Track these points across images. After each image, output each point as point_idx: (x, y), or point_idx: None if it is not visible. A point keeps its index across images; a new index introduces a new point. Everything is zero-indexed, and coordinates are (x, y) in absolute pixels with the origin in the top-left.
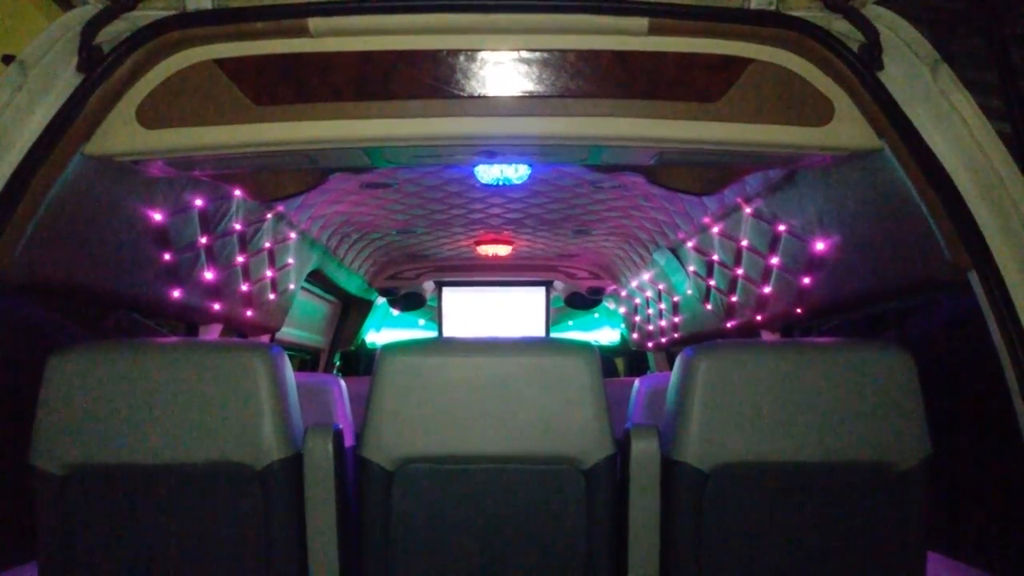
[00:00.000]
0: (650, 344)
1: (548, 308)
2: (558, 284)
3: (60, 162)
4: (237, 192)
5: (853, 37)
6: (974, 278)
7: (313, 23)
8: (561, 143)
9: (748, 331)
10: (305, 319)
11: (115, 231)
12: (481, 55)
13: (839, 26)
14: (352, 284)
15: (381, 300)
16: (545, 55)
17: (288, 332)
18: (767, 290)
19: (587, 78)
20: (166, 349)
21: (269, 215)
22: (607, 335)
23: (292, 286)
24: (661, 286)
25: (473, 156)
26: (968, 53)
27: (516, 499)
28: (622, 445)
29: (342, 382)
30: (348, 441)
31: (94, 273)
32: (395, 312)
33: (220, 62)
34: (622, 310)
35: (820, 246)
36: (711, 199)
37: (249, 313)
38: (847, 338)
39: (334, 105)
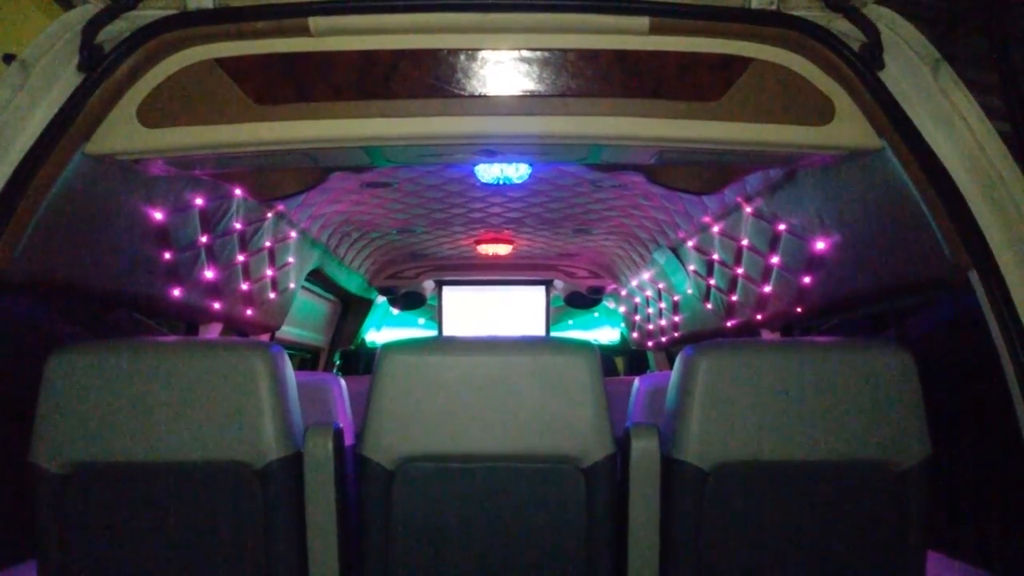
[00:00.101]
0: (650, 343)
1: (548, 307)
2: (558, 283)
3: (61, 161)
4: (237, 191)
5: (854, 36)
6: (974, 278)
7: (314, 22)
8: (561, 142)
9: (748, 330)
10: (305, 318)
11: (115, 230)
12: (482, 54)
13: (840, 25)
14: (352, 283)
15: (381, 299)
16: (546, 54)
17: (288, 331)
18: (767, 289)
19: (588, 77)
20: (166, 348)
21: (269, 214)
22: (607, 334)
23: (292, 285)
24: (661, 285)
25: (473, 155)
26: (969, 52)
27: (516, 498)
28: (622, 444)
29: (342, 381)
30: (348, 440)
31: (94, 272)
32: (395, 311)
33: (221, 61)
34: (622, 309)
35: (820, 245)
36: (711, 198)
37: (249, 312)
38: (847, 338)
39: (334, 104)
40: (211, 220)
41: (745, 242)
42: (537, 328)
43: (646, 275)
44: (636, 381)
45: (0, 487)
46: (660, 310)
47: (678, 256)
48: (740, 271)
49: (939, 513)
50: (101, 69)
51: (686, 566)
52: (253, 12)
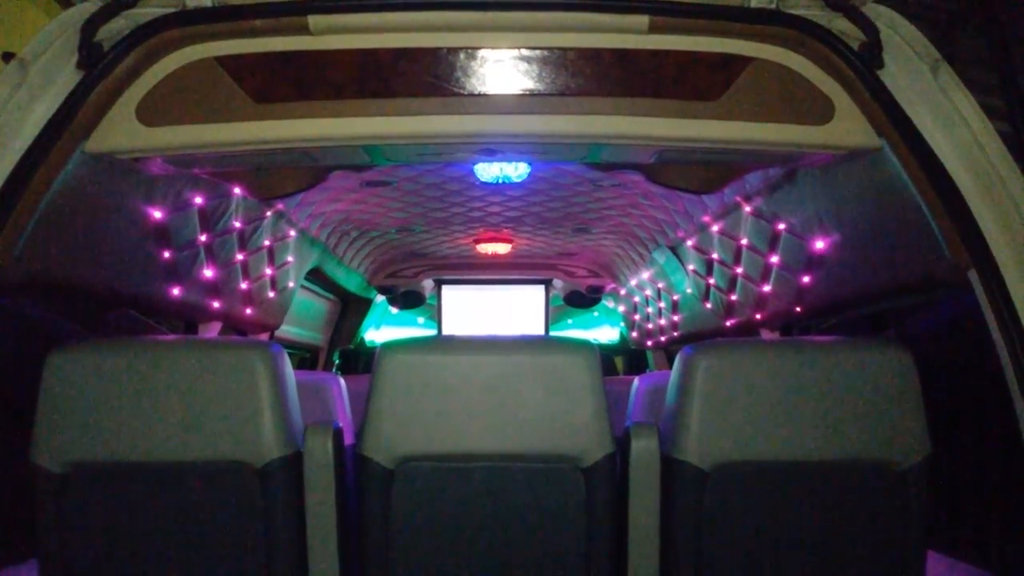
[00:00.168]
0: (649, 343)
1: (547, 306)
2: (557, 282)
3: (60, 160)
4: (237, 190)
5: (853, 36)
6: (974, 277)
7: (313, 21)
8: (561, 141)
9: (748, 330)
10: (304, 317)
11: (115, 229)
12: (481, 53)
13: (839, 25)
14: (351, 282)
15: (380, 298)
16: (545, 53)
17: (287, 330)
18: (767, 289)
19: (587, 76)
20: (165, 347)
21: (269, 213)
22: (606, 333)
23: (291, 284)
24: (661, 284)
25: (473, 154)
26: (969, 52)
27: (516, 497)
28: (622, 444)
29: (341, 380)
30: (348, 439)
31: (94, 271)
32: (394, 310)
33: (220, 59)
34: (621, 308)
35: (820, 245)
36: (711, 198)
37: (249, 311)
38: (846, 337)
39: (334, 103)
40: (210, 219)
41: (744, 241)
42: (536, 327)
43: (645, 274)
44: (635, 380)
45: (0, 487)
46: (659, 309)
47: (677, 255)
48: (739, 270)
49: (939, 513)
50: (100, 67)
51: (686, 566)
52: (252, 10)
